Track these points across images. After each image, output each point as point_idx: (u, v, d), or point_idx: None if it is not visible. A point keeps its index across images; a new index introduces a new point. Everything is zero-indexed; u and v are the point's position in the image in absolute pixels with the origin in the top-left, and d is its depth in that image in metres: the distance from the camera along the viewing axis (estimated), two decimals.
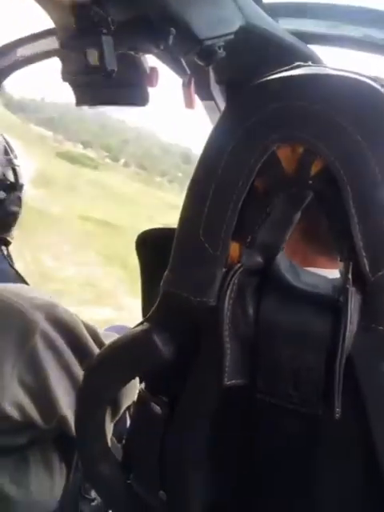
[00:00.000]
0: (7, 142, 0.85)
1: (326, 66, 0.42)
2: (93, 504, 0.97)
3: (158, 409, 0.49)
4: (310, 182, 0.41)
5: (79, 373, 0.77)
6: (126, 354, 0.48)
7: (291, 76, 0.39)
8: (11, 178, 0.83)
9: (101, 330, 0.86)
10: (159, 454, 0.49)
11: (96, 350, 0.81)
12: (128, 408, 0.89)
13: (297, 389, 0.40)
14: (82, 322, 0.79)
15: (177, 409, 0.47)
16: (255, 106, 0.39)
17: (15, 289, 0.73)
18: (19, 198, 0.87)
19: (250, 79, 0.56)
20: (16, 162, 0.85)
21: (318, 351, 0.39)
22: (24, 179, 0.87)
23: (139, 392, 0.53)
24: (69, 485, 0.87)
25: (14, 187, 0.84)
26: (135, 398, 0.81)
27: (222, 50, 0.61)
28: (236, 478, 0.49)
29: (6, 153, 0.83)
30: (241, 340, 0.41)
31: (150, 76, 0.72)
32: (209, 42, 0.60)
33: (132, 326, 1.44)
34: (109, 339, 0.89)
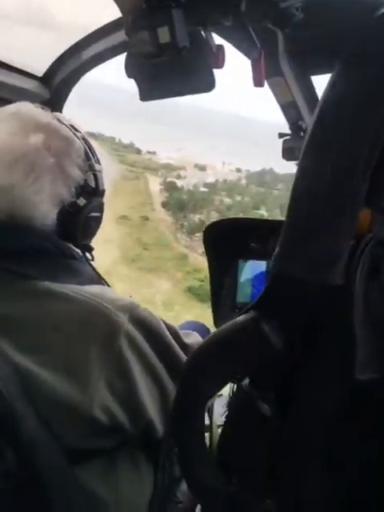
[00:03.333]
0: (89, 146, 0.82)
1: None
2: (179, 506, 0.95)
3: (266, 408, 0.44)
4: None
5: (162, 374, 0.75)
6: (230, 347, 0.43)
7: None
8: (92, 183, 0.82)
9: (181, 330, 0.84)
10: (268, 458, 0.44)
11: (178, 350, 0.79)
12: None
13: None
14: (163, 321, 0.77)
15: (292, 408, 0.42)
16: None
17: (99, 291, 0.72)
18: (101, 204, 0.85)
19: (332, 44, 0.50)
20: (97, 167, 0.83)
21: None
22: (105, 185, 0.85)
23: (241, 389, 0.49)
24: (157, 487, 0.85)
25: (95, 193, 0.82)
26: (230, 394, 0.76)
27: (299, 11, 0.55)
28: (357, 478, 0.42)
29: (88, 158, 0.81)
30: (377, 328, 0.35)
31: (217, 55, 0.67)
32: (285, 4, 0.54)
33: (204, 323, 1.38)
34: (189, 338, 0.86)
